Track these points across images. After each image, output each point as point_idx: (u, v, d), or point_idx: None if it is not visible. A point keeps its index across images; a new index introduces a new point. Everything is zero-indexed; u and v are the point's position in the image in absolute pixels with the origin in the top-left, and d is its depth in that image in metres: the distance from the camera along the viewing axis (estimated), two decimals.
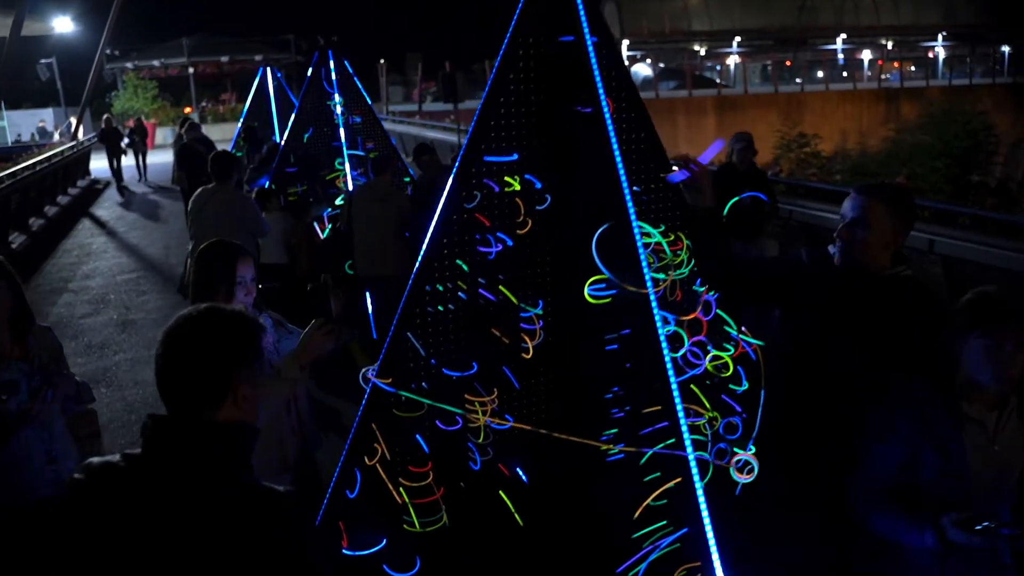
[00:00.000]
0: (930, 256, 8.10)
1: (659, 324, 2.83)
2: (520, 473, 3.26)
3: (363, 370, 3.20)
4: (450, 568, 3.24)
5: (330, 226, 9.23)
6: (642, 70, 52.78)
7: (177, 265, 13.10)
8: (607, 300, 2.98)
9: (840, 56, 57.86)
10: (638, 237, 2.84)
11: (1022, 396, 2.81)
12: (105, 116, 25.41)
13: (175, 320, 1.98)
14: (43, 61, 35.68)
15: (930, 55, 58.42)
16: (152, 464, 1.86)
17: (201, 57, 46.45)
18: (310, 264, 8.78)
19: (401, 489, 3.19)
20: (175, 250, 14.48)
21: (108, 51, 31.61)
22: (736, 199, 3.50)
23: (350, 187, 8.85)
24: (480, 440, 3.22)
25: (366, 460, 3.13)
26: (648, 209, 3.22)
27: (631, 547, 2.91)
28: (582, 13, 2.93)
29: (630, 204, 2.85)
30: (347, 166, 8.97)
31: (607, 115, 2.89)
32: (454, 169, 3.10)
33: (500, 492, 3.27)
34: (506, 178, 3.10)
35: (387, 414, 3.12)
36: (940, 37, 56.81)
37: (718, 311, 3.36)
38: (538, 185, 3.13)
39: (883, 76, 52.83)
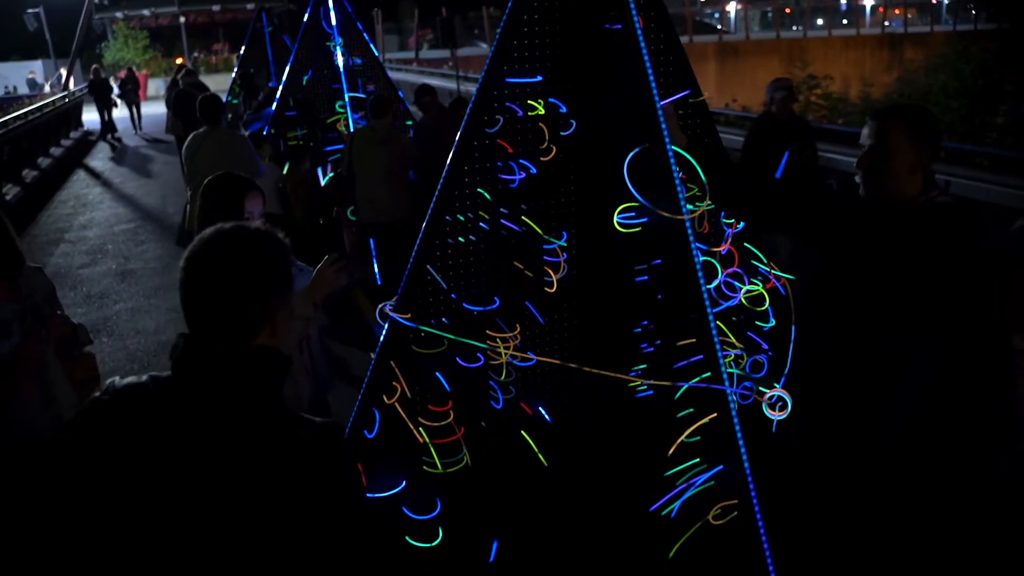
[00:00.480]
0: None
1: (695, 253, 2.68)
2: (543, 412, 3.14)
3: (380, 305, 3.06)
4: (472, 511, 3.14)
5: (331, 173, 9.04)
6: None
7: (174, 215, 12.90)
8: (638, 229, 2.82)
9: (842, 2, 57.00)
10: (672, 161, 2.68)
11: None
12: (93, 67, 24.84)
13: (201, 242, 1.74)
14: (30, 11, 34.96)
15: (933, 0, 57.54)
16: (185, 386, 1.69)
17: (192, 6, 45.59)
18: (306, 212, 8.59)
19: (421, 429, 3.07)
20: (172, 200, 14.28)
21: (96, 0, 30.95)
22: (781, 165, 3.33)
23: (351, 130, 8.64)
24: (502, 378, 3.10)
25: (384, 399, 3.01)
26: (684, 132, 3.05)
27: (664, 486, 2.80)
28: None
29: (664, 127, 2.68)
30: (348, 109, 8.74)
31: (639, 34, 2.71)
32: (475, 92, 2.92)
33: (523, 432, 3.15)
34: (530, 101, 2.93)
35: (406, 351, 2.99)
36: None
37: (746, 244, 3.22)
38: (563, 109, 2.96)
39: (886, 23, 52.09)
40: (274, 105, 9.59)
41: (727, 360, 3.15)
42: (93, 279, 10.01)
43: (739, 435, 2.66)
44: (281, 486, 1.64)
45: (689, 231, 2.68)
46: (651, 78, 2.67)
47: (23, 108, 18.35)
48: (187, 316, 1.74)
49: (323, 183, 8.96)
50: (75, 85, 28.45)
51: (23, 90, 31.89)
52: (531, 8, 2.87)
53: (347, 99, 8.73)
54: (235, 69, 15.19)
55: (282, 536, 1.64)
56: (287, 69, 9.59)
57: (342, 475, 1.72)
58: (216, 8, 46.19)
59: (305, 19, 9.33)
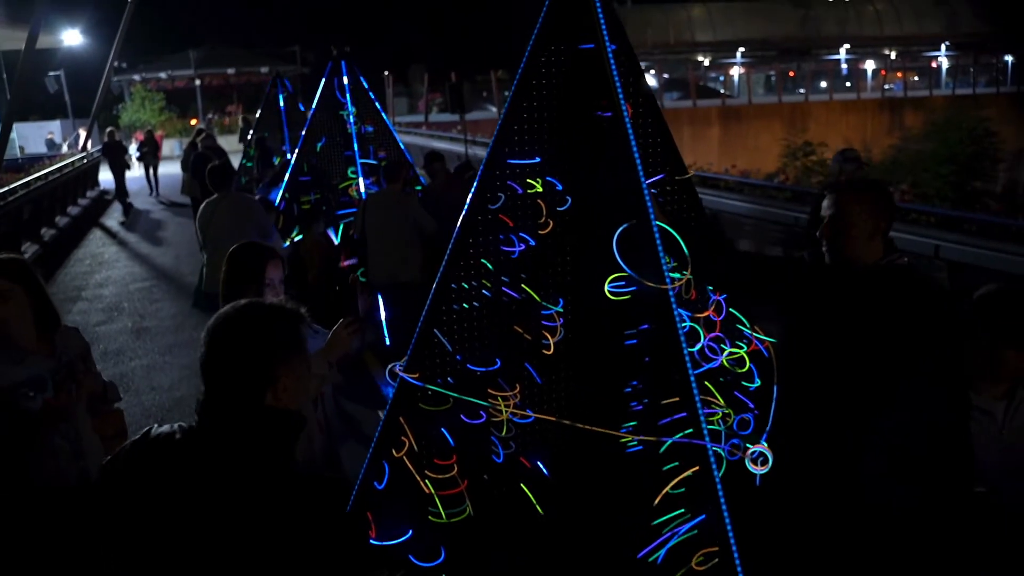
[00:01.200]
0: (936, 261, 8.22)
1: (677, 318, 2.94)
2: (541, 466, 3.37)
3: (391, 366, 3.31)
4: (474, 558, 3.35)
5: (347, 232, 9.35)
6: (646, 81, 52.96)
7: (188, 274, 13.26)
8: (627, 297, 3.09)
9: (843, 66, 58.06)
10: (657, 236, 2.96)
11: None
12: (108, 129, 25.25)
13: (217, 317, 2.09)
14: (51, 74, 35.88)
15: (933, 65, 58.60)
16: (205, 437, 1.99)
17: (207, 69, 46.78)
18: (319, 274, 8.87)
19: (427, 481, 3.30)
20: (186, 260, 14.64)
21: (115, 63, 31.82)
22: None
23: (363, 195, 8.99)
24: (503, 434, 3.33)
25: (394, 452, 3.24)
26: (665, 210, 3.34)
27: (651, 534, 3.02)
28: (602, 21, 3.05)
29: (649, 204, 2.96)
30: (359, 174, 9.11)
31: (627, 119, 3.01)
32: (479, 172, 3.22)
33: (522, 485, 3.37)
34: (529, 180, 3.22)
35: (414, 408, 3.23)
36: (943, 47, 56.99)
37: (731, 310, 3.48)
38: (559, 187, 3.25)
39: (886, 86, 53.03)
40: (286, 177, 9.95)
41: (715, 418, 3.39)
42: (109, 336, 10.30)
43: (719, 487, 2.89)
44: (283, 529, 1.91)
45: (672, 299, 2.94)
46: (637, 160, 2.97)
47: (44, 169, 18.88)
48: (203, 380, 2.06)
49: (336, 242, 9.25)
50: (92, 146, 29.07)
51: (32, 149, 32.40)
52: (530, 97, 3.18)
53: (359, 165, 9.11)
54: (240, 129, 15.54)
55: (282, 572, 1.90)
56: (302, 135, 10.00)
57: (340, 525, 1.98)
58: (231, 71, 47.37)
59: (320, 88, 9.76)
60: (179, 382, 8.40)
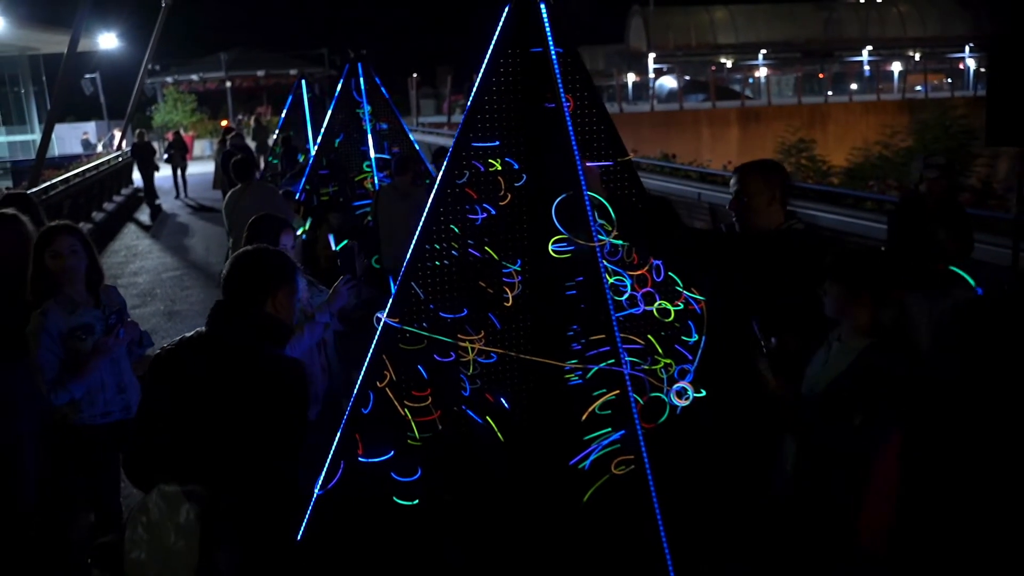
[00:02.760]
0: None
1: (603, 272, 3.62)
2: (502, 400, 4.05)
3: (376, 314, 4.01)
4: (444, 475, 4.03)
5: (344, 242, 10.07)
6: (668, 83, 53.47)
7: (216, 265, 14.04)
8: (567, 255, 3.77)
9: (866, 68, 58.02)
10: (588, 204, 3.63)
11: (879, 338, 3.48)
12: (138, 131, 25.79)
13: (240, 250, 2.96)
14: (87, 76, 37.03)
15: (960, 66, 58.40)
16: (212, 334, 2.80)
17: (238, 71, 48.00)
18: (329, 265, 9.59)
19: (406, 409, 3.98)
20: (214, 252, 15.46)
21: (149, 66, 32.87)
22: None
23: (377, 187, 9.70)
24: (469, 372, 4.01)
25: (377, 384, 3.93)
26: (608, 188, 4.01)
27: (582, 447, 3.70)
28: (547, 29, 3.74)
29: (582, 178, 3.64)
30: (374, 168, 9.84)
31: (566, 110, 3.70)
32: (448, 153, 3.91)
33: (487, 417, 4.05)
34: (490, 160, 3.91)
35: (395, 347, 3.92)
36: (968, 48, 56.83)
37: (669, 273, 4.13)
38: (516, 166, 3.93)
39: (916, 87, 52.88)
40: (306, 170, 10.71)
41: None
42: (143, 318, 11.10)
43: (634, 408, 3.56)
44: (259, 391, 2.74)
45: (599, 256, 3.62)
46: (573, 143, 3.65)
47: (81, 166, 19.88)
48: (223, 291, 2.91)
49: (335, 248, 9.93)
50: (127, 146, 30.08)
51: (67, 150, 33.21)
52: (491, 92, 3.86)
53: (373, 159, 9.84)
54: (252, 128, 16.11)
55: (256, 417, 2.72)
56: (321, 132, 10.75)
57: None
58: (260, 73, 48.55)
59: (338, 88, 10.50)
60: None
